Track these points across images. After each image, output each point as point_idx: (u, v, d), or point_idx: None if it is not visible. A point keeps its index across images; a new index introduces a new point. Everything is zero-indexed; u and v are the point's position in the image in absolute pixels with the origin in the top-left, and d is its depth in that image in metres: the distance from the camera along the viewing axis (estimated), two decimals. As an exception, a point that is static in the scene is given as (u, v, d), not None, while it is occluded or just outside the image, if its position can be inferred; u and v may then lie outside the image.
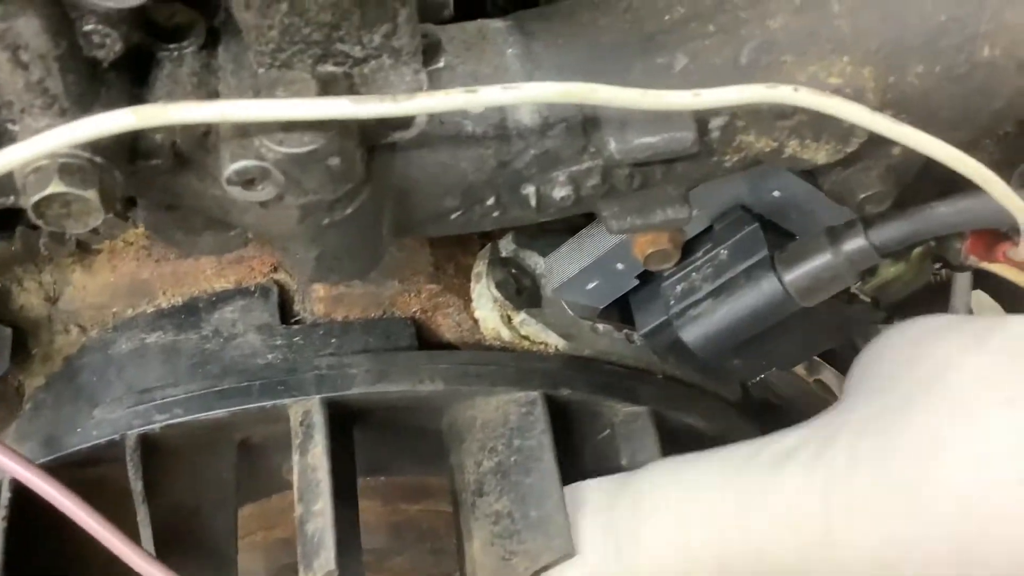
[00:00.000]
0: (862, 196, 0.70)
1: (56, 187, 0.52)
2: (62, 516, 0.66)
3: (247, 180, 0.56)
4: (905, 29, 0.63)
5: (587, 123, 0.63)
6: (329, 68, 0.58)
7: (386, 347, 0.81)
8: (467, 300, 0.85)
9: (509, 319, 0.83)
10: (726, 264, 0.77)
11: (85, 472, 0.76)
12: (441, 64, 0.63)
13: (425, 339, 0.84)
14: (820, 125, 0.64)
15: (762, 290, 0.75)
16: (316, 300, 0.82)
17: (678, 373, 0.87)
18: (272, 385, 0.76)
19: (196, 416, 0.75)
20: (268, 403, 0.76)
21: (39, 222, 0.54)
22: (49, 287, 0.84)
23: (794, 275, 0.74)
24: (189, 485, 0.79)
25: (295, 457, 0.74)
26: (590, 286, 0.82)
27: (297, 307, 0.83)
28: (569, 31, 0.65)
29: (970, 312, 1.07)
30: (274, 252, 0.82)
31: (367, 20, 0.56)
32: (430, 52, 0.62)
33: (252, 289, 0.83)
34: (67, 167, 0.53)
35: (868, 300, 0.81)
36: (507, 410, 0.79)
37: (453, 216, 0.66)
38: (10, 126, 0.57)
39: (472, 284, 0.85)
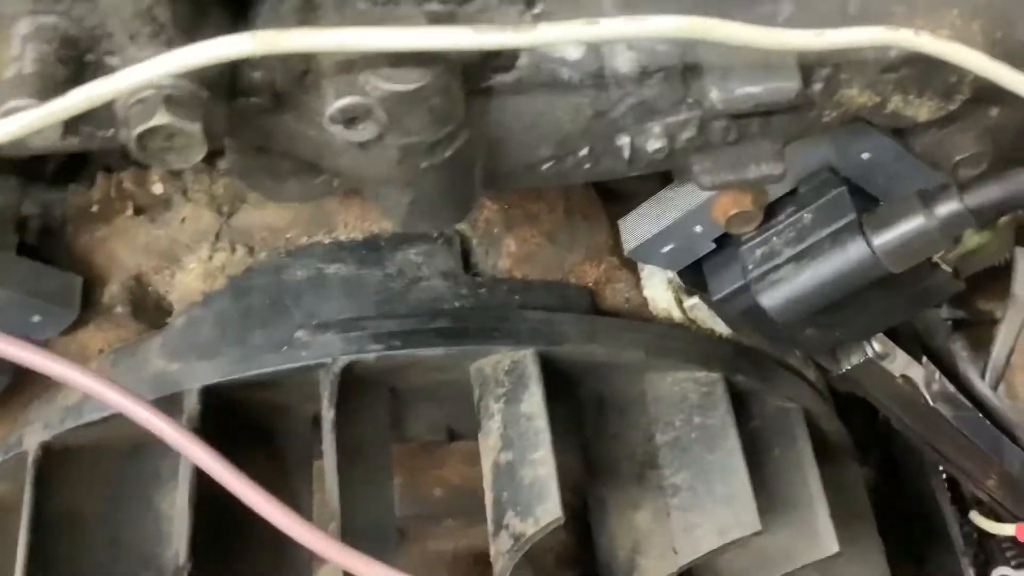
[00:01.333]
0: (958, 158, 0.68)
1: (161, 118, 0.51)
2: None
3: (350, 119, 0.55)
4: (1015, -16, 0.61)
5: (687, 71, 0.62)
6: (434, 7, 0.57)
7: (564, 310, 0.82)
8: (637, 278, 0.86)
9: (680, 301, 0.85)
10: (810, 227, 0.76)
11: (255, 396, 0.76)
12: (538, 10, 0.61)
13: (595, 308, 0.85)
14: (925, 80, 0.63)
15: (849, 254, 0.73)
16: (505, 255, 0.83)
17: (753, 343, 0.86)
18: (488, 330, 0.77)
19: (412, 350, 0.75)
20: (484, 346, 0.76)
21: (140, 155, 0.53)
22: (222, 201, 0.83)
23: (884, 239, 0.72)
24: (361, 421, 0.78)
25: (496, 405, 0.75)
26: (666, 249, 0.81)
27: (477, 258, 0.84)
28: (667, -20, 0.64)
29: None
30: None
31: (477, -43, 0.55)
32: (528, -2, 0.61)
33: (435, 235, 0.82)
34: (172, 98, 0.52)
35: (949, 270, 0.80)
36: (685, 388, 0.81)
37: (545, 167, 0.65)
38: (108, 59, 0.56)
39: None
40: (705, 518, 0.77)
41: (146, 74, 0.50)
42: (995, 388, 1.23)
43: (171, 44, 0.53)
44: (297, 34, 0.50)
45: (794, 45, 0.56)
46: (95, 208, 0.83)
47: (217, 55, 0.49)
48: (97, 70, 0.56)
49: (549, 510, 0.70)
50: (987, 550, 1.12)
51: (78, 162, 0.86)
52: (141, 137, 0.52)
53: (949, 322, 1.48)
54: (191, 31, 0.54)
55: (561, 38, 0.54)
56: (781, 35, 0.56)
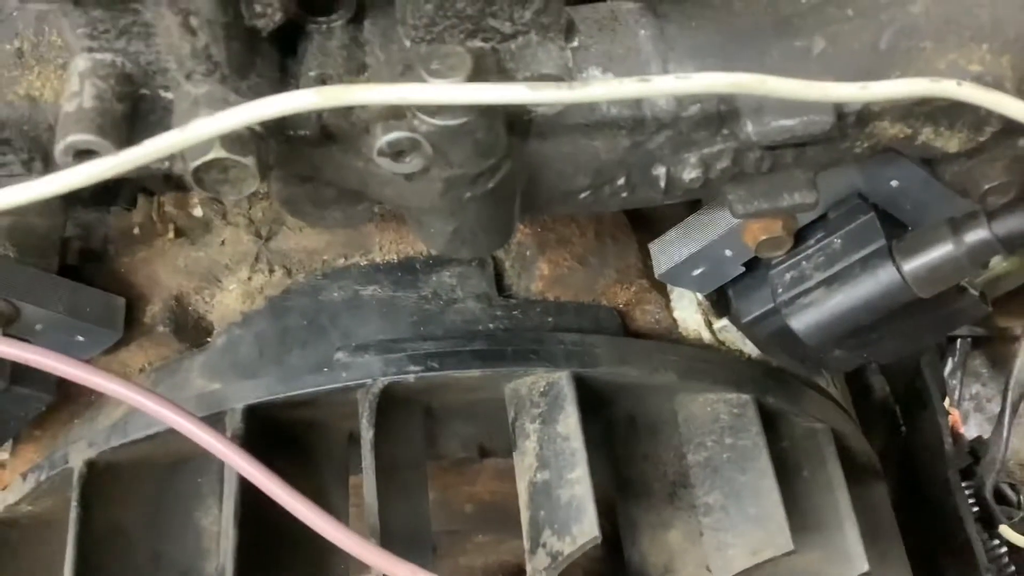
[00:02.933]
0: (986, 187, 0.70)
1: (218, 153, 0.53)
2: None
3: (397, 152, 0.57)
4: (1044, 18, 0.63)
5: (723, 105, 0.63)
6: (478, 43, 0.58)
7: (596, 331, 0.83)
8: (667, 299, 0.88)
9: (710, 323, 0.86)
10: (840, 253, 0.77)
11: (294, 414, 0.78)
12: (576, 44, 0.63)
13: (625, 329, 0.86)
14: (956, 113, 0.64)
15: (879, 279, 0.75)
16: (538, 278, 0.84)
17: (783, 364, 0.87)
18: (525, 352, 0.78)
19: (450, 372, 0.77)
20: (520, 368, 0.78)
21: (196, 187, 0.55)
22: (260, 224, 0.85)
23: (913, 265, 0.73)
24: (398, 440, 0.79)
25: (532, 426, 0.76)
26: (696, 272, 0.82)
27: (509, 280, 0.85)
28: (702, 13, 0.66)
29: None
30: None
31: (520, -4, 0.57)
32: (565, 31, 0.62)
33: (468, 258, 0.84)
34: (228, 134, 0.53)
35: (977, 294, 0.81)
36: (717, 409, 0.82)
37: (582, 195, 0.67)
38: (162, 92, 0.58)
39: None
40: (738, 538, 0.78)
41: (217, 126, 0.51)
42: (1017, 405, 1.24)
43: (224, 81, 0.55)
44: (359, 89, 0.52)
45: (839, 98, 0.58)
46: (137, 230, 0.85)
47: (285, 109, 0.51)
48: (153, 103, 0.58)
49: (586, 529, 0.71)
50: (1018, 565, 1.12)
51: (116, 183, 0.88)
52: (198, 170, 0.54)
53: (969, 339, 1.49)
54: (243, 69, 0.56)
55: (612, 96, 0.56)
56: (826, 88, 0.57)
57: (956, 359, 1.54)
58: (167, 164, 0.57)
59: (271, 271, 0.84)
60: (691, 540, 0.80)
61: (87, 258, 0.86)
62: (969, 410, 1.61)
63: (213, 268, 0.84)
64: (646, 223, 0.91)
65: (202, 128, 0.51)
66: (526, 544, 0.74)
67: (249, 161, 0.54)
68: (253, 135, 0.54)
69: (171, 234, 0.84)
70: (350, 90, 0.52)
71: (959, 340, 1.51)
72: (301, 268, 0.84)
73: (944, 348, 1.52)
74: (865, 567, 0.80)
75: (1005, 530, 1.11)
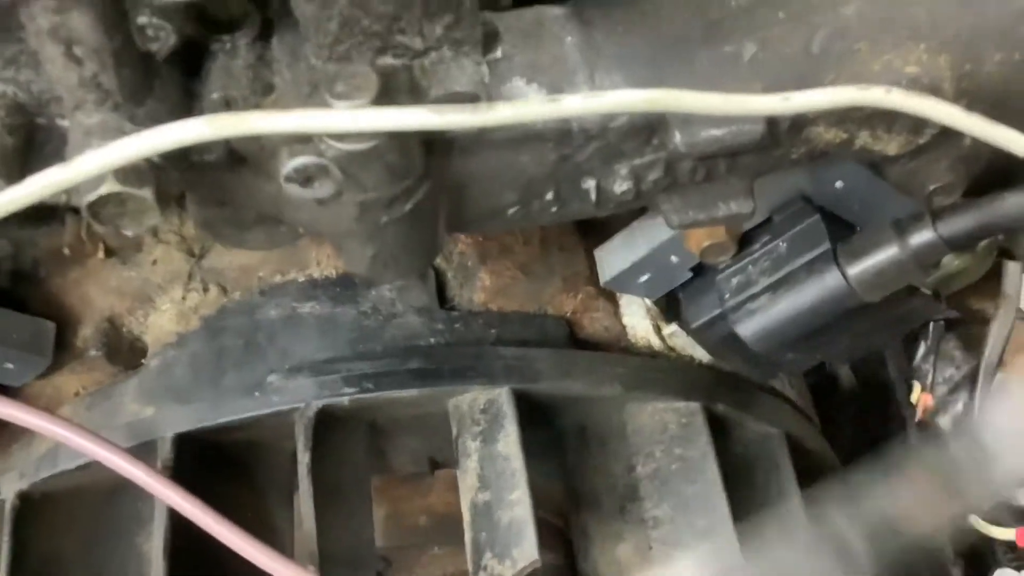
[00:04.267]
0: (931, 187, 0.67)
1: (111, 187, 0.51)
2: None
3: (305, 177, 0.54)
4: (983, 16, 0.60)
5: (651, 116, 0.61)
6: (389, 60, 0.56)
7: (542, 343, 0.81)
8: (615, 306, 0.86)
9: (659, 329, 0.84)
10: (785, 257, 0.75)
11: (232, 437, 0.76)
12: (499, 54, 0.60)
13: (573, 339, 0.84)
14: (892, 116, 0.61)
15: (824, 284, 0.73)
16: (479, 289, 0.82)
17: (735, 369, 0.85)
18: (462, 369, 0.76)
19: (385, 393, 0.75)
20: (458, 386, 0.76)
21: (93, 222, 0.53)
22: (193, 241, 0.82)
23: (858, 269, 0.71)
24: (339, 461, 0.77)
25: (472, 444, 0.74)
26: (642, 279, 0.80)
27: (452, 292, 0.83)
28: (629, 19, 0.63)
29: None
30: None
31: (429, 10, 0.54)
32: (488, 41, 0.60)
33: None
34: (122, 166, 0.51)
35: (930, 293, 0.79)
36: (665, 418, 0.80)
37: (510, 211, 0.64)
38: (59, 121, 0.55)
39: (620, 292, 0.85)
40: (686, 551, 0.76)
41: (100, 161, 0.49)
42: (988, 386, 1.22)
43: (118, 109, 0.52)
44: (254, 117, 0.49)
45: (761, 111, 0.55)
46: (66, 250, 0.82)
47: (171, 142, 0.48)
48: (49, 133, 0.56)
49: (526, 552, 0.69)
50: (984, 554, 1.11)
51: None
52: (93, 204, 0.52)
53: (943, 322, 1.47)
54: (139, 95, 0.53)
55: (520, 118, 0.53)
56: (748, 102, 0.55)
57: (929, 343, 1.52)
58: (64, 198, 0.54)
59: (206, 290, 0.81)
60: (641, 554, 0.78)
61: (19, 280, 0.84)
62: (943, 394, 1.59)
63: (146, 288, 0.82)
64: (597, 229, 0.88)
65: (87, 163, 0.48)
66: (470, 567, 0.73)
67: (146, 193, 0.51)
68: (150, 166, 0.52)
69: (101, 253, 0.82)
70: (244, 118, 0.49)
71: (932, 323, 1.49)
72: (237, 286, 0.82)
73: (917, 332, 1.51)
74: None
75: (974, 519, 1.10)
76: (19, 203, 0.49)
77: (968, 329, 1.55)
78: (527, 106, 0.53)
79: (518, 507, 0.71)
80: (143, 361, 0.82)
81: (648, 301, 0.84)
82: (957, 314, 1.46)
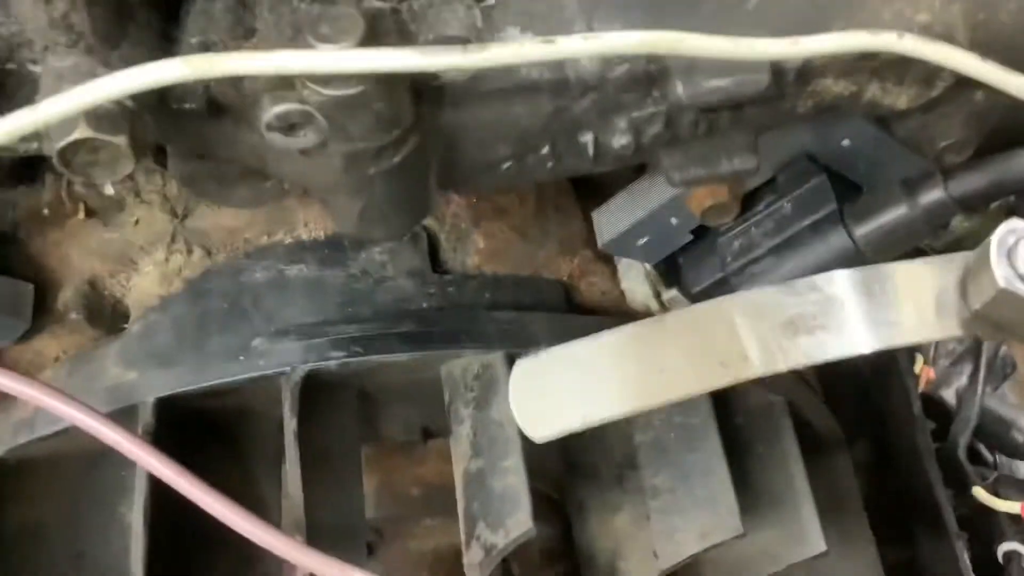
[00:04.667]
0: (942, 144, 0.65)
1: (83, 132, 0.48)
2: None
3: (288, 125, 0.52)
4: (998, -38, 0.58)
5: (652, 65, 0.58)
6: (375, 3, 0.53)
7: (537, 306, 0.79)
8: (613, 270, 0.83)
9: (659, 294, 0.82)
10: (790, 218, 0.72)
11: (216, 403, 0.74)
12: (493, 1, 0.58)
13: (569, 303, 0.82)
14: (904, 67, 0.59)
15: (830, 245, 0.70)
16: (473, 252, 0.79)
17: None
18: (454, 333, 0.74)
19: (375, 356, 0.72)
20: (450, 350, 0.73)
21: (64, 170, 0.50)
22: (176, 201, 0.79)
23: (865, 229, 0.69)
24: (327, 427, 0.75)
25: (465, 410, 0.72)
26: (641, 242, 0.78)
27: (445, 255, 0.80)
28: (630, -35, 0.60)
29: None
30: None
31: (418, -52, 0.51)
32: (481, -15, 0.57)
33: None
34: (94, 111, 0.48)
35: (937, 257, 0.77)
36: None
37: (504, 166, 0.62)
38: (31, 66, 0.53)
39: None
40: (686, 521, 0.74)
41: (71, 103, 0.46)
42: (991, 363, 1.21)
43: (91, 53, 0.50)
44: (233, 58, 0.47)
45: (769, 55, 0.53)
46: (46, 211, 0.79)
47: (146, 82, 0.46)
48: (21, 79, 0.53)
49: (520, 521, 0.67)
50: (988, 527, 1.10)
51: (30, 161, 0.83)
52: (63, 152, 0.49)
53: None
54: (113, 38, 0.50)
55: (513, 60, 0.50)
56: (754, 45, 0.52)
57: (930, 315, 1.51)
58: (35, 146, 0.52)
59: (189, 252, 0.79)
60: (639, 525, 0.76)
61: (-1, 242, 0.81)
62: (945, 366, 1.58)
63: (128, 250, 0.79)
64: (594, 190, 0.86)
65: (56, 106, 0.46)
66: (462, 537, 0.70)
67: (120, 140, 0.49)
68: (124, 111, 0.49)
69: (81, 214, 0.79)
70: (222, 59, 0.47)
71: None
72: (222, 248, 0.79)
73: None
74: (822, 546, 0.77)
75: (978, 491, 1.08)
76: (-14, 146, 0.46)
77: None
78: (521, 48, 0.50)
79: (512, 475, 0.69)
80: (125, 325, 0.79)
81: (647, 265, 0.82)
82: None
